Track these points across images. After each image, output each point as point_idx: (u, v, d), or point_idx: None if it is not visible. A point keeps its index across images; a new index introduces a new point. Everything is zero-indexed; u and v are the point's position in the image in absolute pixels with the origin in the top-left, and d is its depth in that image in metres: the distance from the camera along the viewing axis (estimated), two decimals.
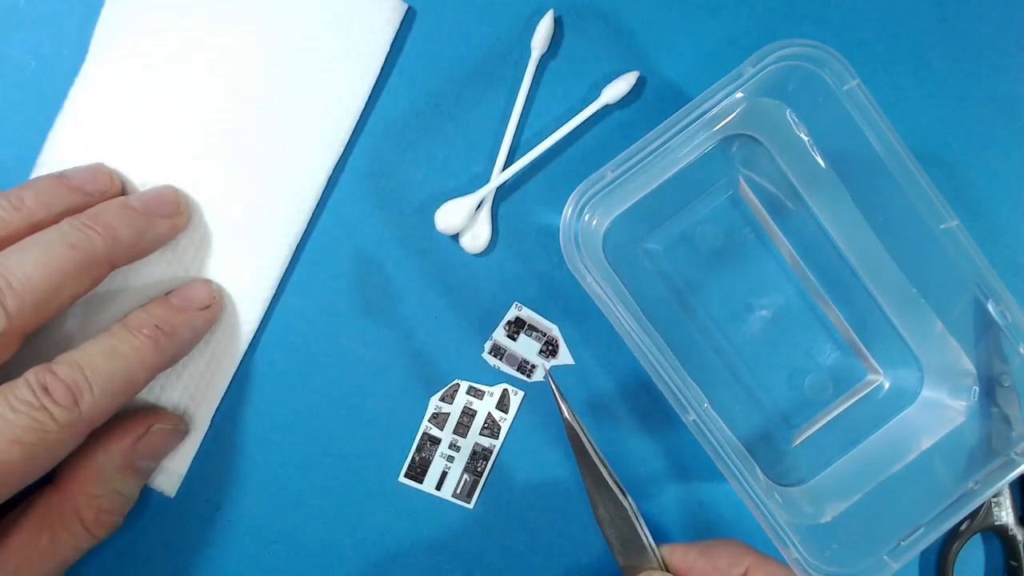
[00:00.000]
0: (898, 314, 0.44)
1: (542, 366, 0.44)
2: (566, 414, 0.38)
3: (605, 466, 0.38)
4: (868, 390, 0.45)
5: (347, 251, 0.44)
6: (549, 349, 0.44)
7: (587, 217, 0.39)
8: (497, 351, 0.44)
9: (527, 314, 0.44)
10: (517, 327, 0.44)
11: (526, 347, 0.44)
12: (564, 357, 0.44)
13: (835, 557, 0.38)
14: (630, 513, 0.38)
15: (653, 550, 0.38)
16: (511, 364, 0.44)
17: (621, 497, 0.38)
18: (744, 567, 0.37)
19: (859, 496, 0.42)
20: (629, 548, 0.38)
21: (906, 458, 0.42)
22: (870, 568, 0.38)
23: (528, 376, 0.44)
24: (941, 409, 0.43)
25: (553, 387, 0.39)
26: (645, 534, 0.38)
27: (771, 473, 0.43)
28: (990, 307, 0.39)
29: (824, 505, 0.42)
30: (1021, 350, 0.39)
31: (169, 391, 0.43)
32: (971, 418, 0.42)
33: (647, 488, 0.45)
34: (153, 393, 0.43)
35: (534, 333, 0.44)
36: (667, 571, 0.38)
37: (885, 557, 0.38)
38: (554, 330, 0.44)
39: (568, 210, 0.38)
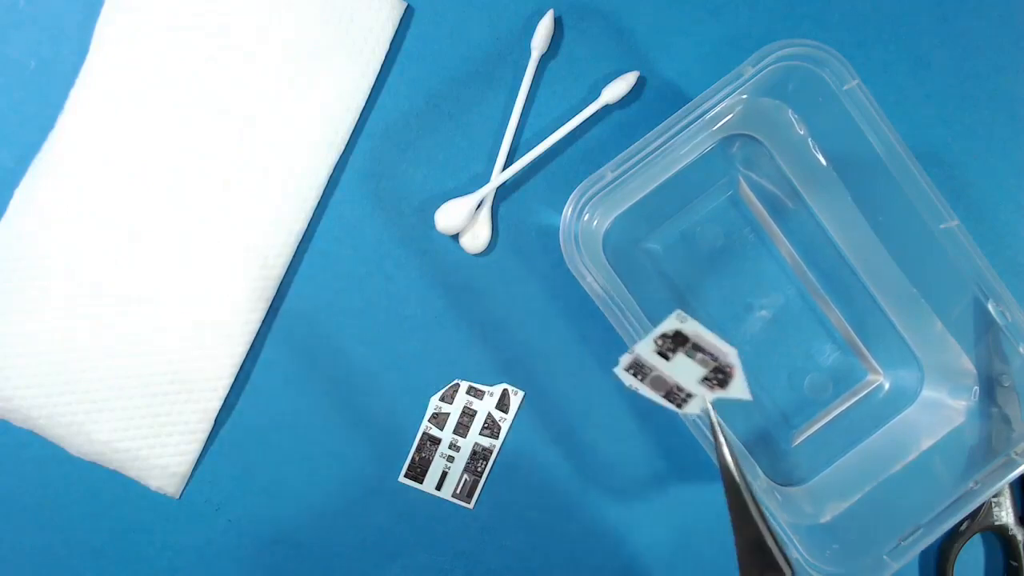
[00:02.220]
0: (898, 314, 0.44)
1: (702, 398, 0.33)
2: (731, 467, 0.31)
3: (766, 523, 0.31)
4: (868, 390, 0.45)
5: (347, 251, 0.44)
6: (718, 378, 0.34)
7: (587, 217, 0.39)
8: (639, 369, 0.34)
9: (693, 329, 0.33)
10: (676, 343, 0.33)
11: (684, 369, 0.34)
12: (738, 391, 0.34)
13: (835, 557, 0.38)
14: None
15: None
16: (657, 388, 0.34)
17: (783, 563, 0.31)
18: None
19: (859, 496, 0.42)
20: None
21: (906, 458, 0.42)
22: (870, 568, 0.38)
23: (679, 407, 0.34)
24: (941, 409, 0.43)
25: (716, 427, 0.31)
26: None
27: (771, 473, 0.43)
28: (990, 307, 0.39)
29: (824, 505, 0.42)
30: (1021, 350, 0.39)
31: (173, 395, 0.43)
32: (971, 418, 0.42)
33: (648, 488, 0.45)
34: (157, 398, 0.43)
35: (699, 355, 0.33)
36: None
37: (885, 557, 0.38)
38: (731, 355, 0.34)
39: (568, 210, 0.38)
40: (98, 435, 0.43)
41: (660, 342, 0.33)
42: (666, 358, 0.33)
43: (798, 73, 0.39)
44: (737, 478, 0.32)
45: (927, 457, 0.42)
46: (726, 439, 0.32)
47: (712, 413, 0.32)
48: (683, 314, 0.33)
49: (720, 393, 0.34)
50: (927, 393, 0.44)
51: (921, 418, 0.44)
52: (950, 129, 0.45)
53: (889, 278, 0.43)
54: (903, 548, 0.38)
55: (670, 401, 0.34)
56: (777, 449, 0.44)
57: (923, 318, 0.43)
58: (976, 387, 0.42)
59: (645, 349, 0.33)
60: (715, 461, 0.32)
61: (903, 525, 0.39)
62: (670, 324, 0.33)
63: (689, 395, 0.34)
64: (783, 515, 0.38)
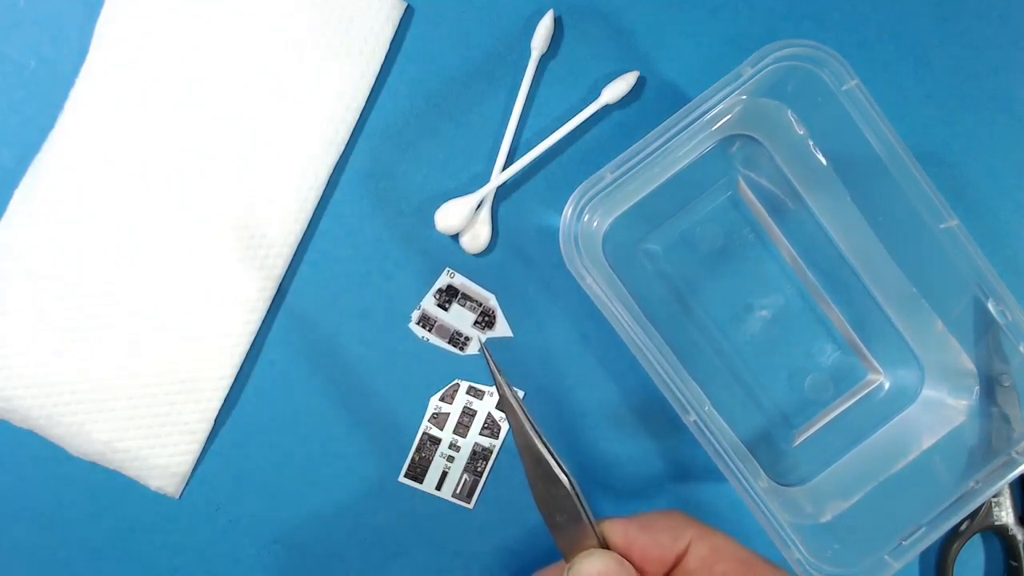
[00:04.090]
0: (898, 314, 0.44)
1: (477, 338, 0.41)
2: (503, 387, 0.35)
3: (543, 441, 0.35)
4: (868, 390, 0.45)
5: (347, 251, 0.44)
6: (485, 320, 0.41)
7: (587, 218, 0.39)
8: (426, 322, 0.41)
9: (460, 281, 0.41)
10: (449, 296, 0.41)
11: (459, 318, 0.41)
12: (501, 329, 0.42)
13: (836, 557, 0.38)
14: (569, 489, 0.35)
15: (593, 527, 0.35)
16: (442, 336, 0.41)
17: (560, 472, 0.35)
18: (686, 540, 0.35)
19: (860, 496, 0.42)
20: (568, 526, 0.35)
21: (907, 458, 0.42)
22: (871, 568, 0.38)
23: (461, 350, 0.42)
24: (941, 409, 0.43)
25: (489, 360, 0.36)
26: (586, 511, 0.35)
27: (772, 473, 0.43)
28: (990, 306, 0.39)
29: (825, 505, 0.42)
30: (1021, 349, 0.39)
31: (173, 395, 0.43)
32: (971, 417, 0.42)
33: (647, 488, 0.45)
34: (157, 398, 0.43)
35: (468, 303, 0.41)
36: (607, 548, 0.35)
37: (886, 557, 0.38)
38: (491, 300, 0.41)
39: (568, 211, 0.38)
40: (98, 435, 0.43)
41: (438, 296, 0.42)
42: (445, 309, 0.41)
43: (797, 73, 0.39)
44: (512, 401, 0.35)
45: (928, 457, 0.42)
46: (500, 370, 0.36)
47: (487, 350, 0.36)
48: (451, 271, 0.41)
49: (489, 333, 0.42)
50: (927, 393, 0.44)
51: (921, 418, 0.44)
52: (950, 129, 0.45)
53: (889, 278, 0.43)
54: (904, 548, 0.38)
55: (454, 345, 0.42)
56: (777, 449, 0.44)
57: (923, 318, 0.43)
58: (976, 386, 0.42)
59: (429, 303, 0.42)
60: (499, 396, 0.36)
61: (904, 525, 0.39)
62: (443, 280, 0.41)
63: (467, 338, 0.42)
64: (784, 515, 0.38)
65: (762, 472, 0.43)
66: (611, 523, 0.36)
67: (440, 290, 0.41)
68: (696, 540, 0.35)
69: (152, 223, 0.43)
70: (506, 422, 0.44)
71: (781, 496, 0.42)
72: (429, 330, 0.41)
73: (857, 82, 0.38)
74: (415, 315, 0.41)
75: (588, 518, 0.35)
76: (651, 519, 0.36)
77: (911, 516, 0.39)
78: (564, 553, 0.36)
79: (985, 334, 0.40)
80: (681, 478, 0.45)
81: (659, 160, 0.39)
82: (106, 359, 0.43)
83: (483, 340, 0.41)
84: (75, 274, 0.43)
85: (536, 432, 0.35)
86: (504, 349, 0.44)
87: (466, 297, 0.41)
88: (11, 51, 0.43)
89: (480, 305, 0.41)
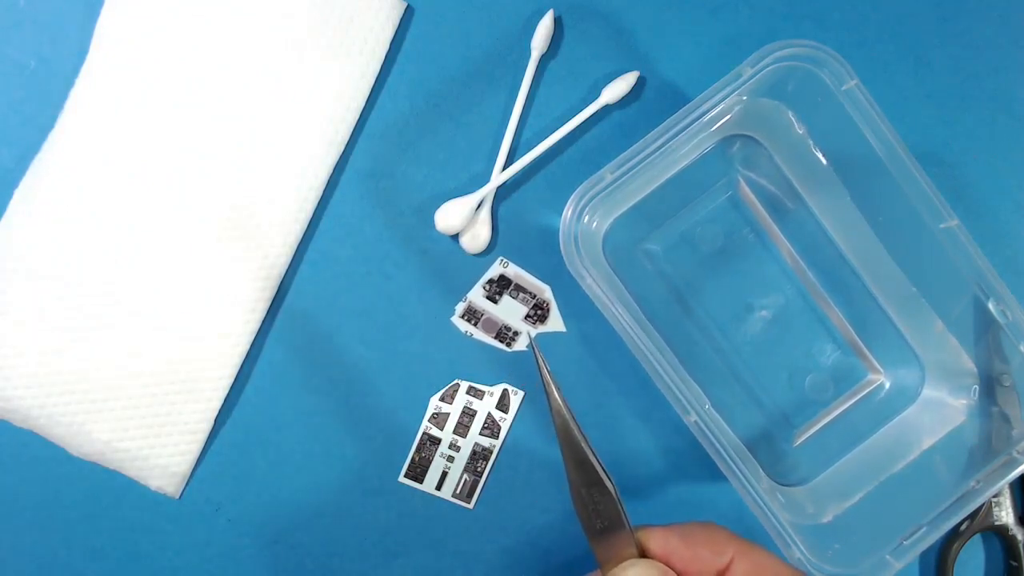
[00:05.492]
0: (898, 313, 0.44)
1: (527, 333, 0.38)
2: (551, 387, 0.34)
3: (588, 445, 0.34)
4: (869, 389, 0.45)
5: (347, 251, 0.44)
6: (538, 314, 0.38)
7: (587, 219, 0.39)
8: (472, 315, 0.38)
9: (514, 271, 0.38)
10: (500, 287, 0.38)
11: (509, 311, 0.38)
12: (554, 323, 0.39)
13: (837, 557, 0.38)
14: (613, 495, 0.34)
15: (633, 536, 0.34)
16: (488, 331, 0.38)
17: (605, 479, 0.34)
18: (728, 556, 0.34)
19: (861, 495, 0.42)
20: (608, 534, 0.34)
21: (907, 457, 0.42)
22: (873, 568, 0.38)
23: (508, 345, 0.38)
24: (942, 408, 0.43)
25: (537, 355, 0.35)
26: (626, 519, 0.34)
27: (772, 473, 0.43)
28: (990, 306, 0.39)
29: (826, 505, 0.42)
30: (1022, 348, 0.39)
31: (173, 395, 0.43)
32: (972, 417, 0.42)
33: (648, 488, 0.45)
34: (157, 398, 0.43)
35: (520, 294, 0.38)
36: (645, 557, 0.34)
37: (888, 556, 0.38)
38: (546, 291, 0.38)
39: (568, 212, 0.38)
40: (98, 435, 0.43)
41: (487, 287, 0.38)
42: (494, 301, 0.38)
43: (797, 73, 0.39)
44: (560, 403, 0.34)
45: (928, 456, 0.42)
46: (549, 371, 0.34)
47: (536, 346, 0.34)
48: (505, 260, 0.37)
49: (541, 327, 0.38)
50: (928, 392, 0.44)
51: (922, 417, 0.44)
52: (950, 129, 0.45)
53: (889, 277, 0.43)
54: (905, 547, 0.38)
55: (501, 340, 0.38)
56: (778, 449, 0.44)
57: (923, 317, 0.43)
58: (977, 386, 0.42)
59: (476, 295, 0.38)
60: (546, 395, 0.34)
61: (905, 524, 0.39)
62: (495, 270, 0.38)
63: (517, 332, 0.38)
64: (785, 515, 0.38)
65: (763, 472, 0.43)
66: (649, 531, 0.35)
67: (491, 280, 0.38)
68: (738, 556, 0.34)
69: (152, 223, 0.43)
70: (503, 423, 0.44)
71: (782, 496, 0.42)
72: (475, 324, 0.38)
73: (857, 82, 0.38)
74: (459, 308, 0.38)
75: (629, 527, 0.34)
76: (690, 530, 0.35)
77: (912, 516, 0.39)
78: (602, 562, 0.35)
79: (985, 334, 0.40)
80: (681, 478, 0.45)
81: (659, 160, 0.39)
82: (106, 359, 0.43)
83: (533, 336, 0.38)
84: (75, 274, 0.43)
85: (583, 436, 0.34)
86: (504, 350, 0.44)
87: (519, 288, 0.38)
88: (11, 51, 0.43)
89: (534, 297, 0.38)
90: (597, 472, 0.34)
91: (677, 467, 0.45)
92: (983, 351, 0.41)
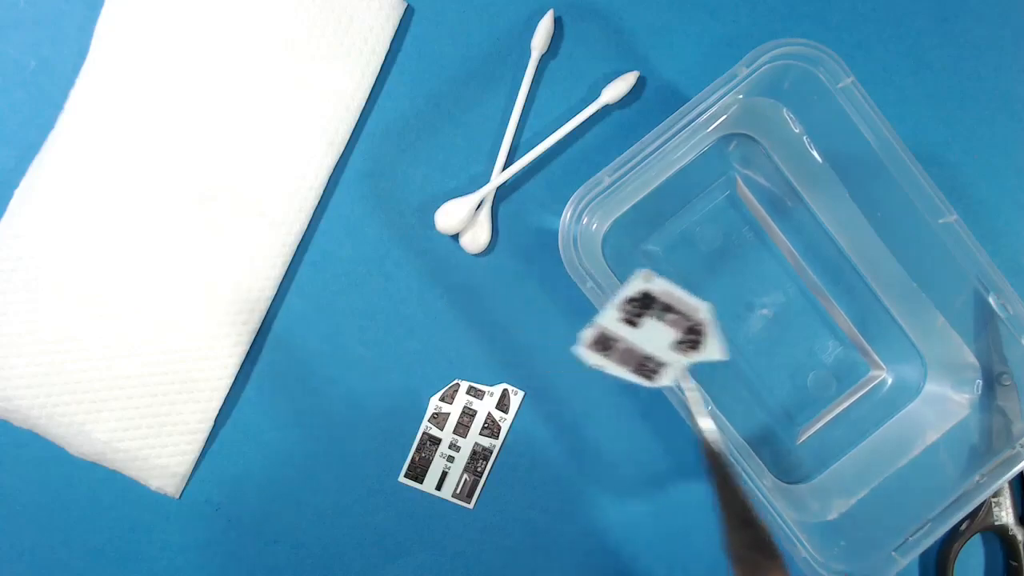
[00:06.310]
0: (899, 309, 0.44)
1: (676, 365, 0.29)
2: (712, 444, 0.28)
3: (749, 504, 0.29)
4: (871, 385, 0.45)
5: (347, 251, 0.44)
6: (691, 340, 0.30)
7: (586, 221, 0.39)
8: (604, 344, 0.29)
9: (662, 287, 0.29)
10: (642, 306, 0.29)
11: (653, 336, 0.29)
12: (713, 352, 0.30)
13: (843, 554, 0.38)
14: (781, 562, 0.30)
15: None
16: (626, 363, 0.30)
17: (768, 542, 0.30)
18: None
19: (865, 492, 0.42)
20: (760, 567, 0.30)
21: (911, 453, 0.42)
22: (878, 565, 0.38)
23: (649, 379, 0.30)
24: (945, 403, 0.43)
25: (688, 403, 0.28)
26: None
27: (777, 471, 0.43)
28: (991, 300, 0.39)
29: (831, 502, 0.42)
30: (1023, 341, 0.39)
31: (173, 395, 0.43)
32: (975, 411, 0.42)
33: (649, 488, 0.45)
34: (157, 398, 0.43)
35: (669, 316, 0.29)
36: None
37: (893, 553, 0.38)
38: (701, 311, 0.30)
39: (567, 215, 0.38)
40: (98, 435, 0.43)
41: (626, 308, 0.29)
42: (633, 325, 0.29)
43: (793, 72, 0.39)
44: (718, 451, 0.29)
45: (932, 451, 0.42)
46: (705, 412, 0.29)
47: (689, 382, 0.28)
48: (650, 272, 0.29)
49: (695, 356, 0.29)
50: (930, 387, 0.44)
51: (925, 412, 0.43)
52: (950, 129, 0.45)
53: (889, 273, 0.43)
54: (911, 544, 0.38)
55: (641, 375, 0.29)
56: (782, 447, 0.44)
57: (924, 312, 0.43)
58: (979, 380, 0.42)
59: (609, 319, 0.29)
60: (697, 435, 0.29)
61: (910, 521, 0.39)
62: (636, 286, 0.29)
63: (661, 364, 0.29)
64: (790, 513, 0.38)
65: (767, 470, 0.43)
66: None
67: (632, 299, 0.29)
68: None
69: (151, 223, 0.43)
70: (503, 423, 0.44)
71: (787, 494, 0.42)
72: (606, 354, 0.30)
73: (852, 79, 0.38)
74: (587, 336, 0.30)
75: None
76: None
77: (916, 512, 0.39)
78: None
79: (986, 328, 0.40)
80: (684, 477, 0.45)
81: (656, 162, 0.39)
82: (106, 359, 0.43)
83: (685, 366, 0.30)
84: (75, 274, 0.43)
85: (743, 491, 0.30)
86: (505, 349, 0.44)
87: (668, 309, 0.29)
88: (11, 51, 0.43)
89: (687, 319, 0.30)
90: (762, 535, 0.30)
91: (679, 466, 0.45)
92: (984, 346, 0.41)
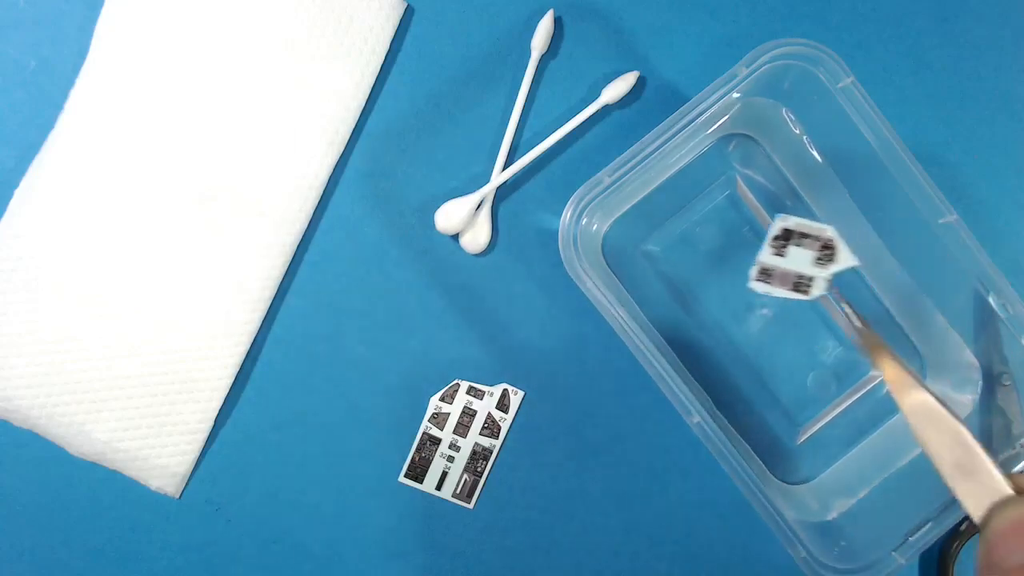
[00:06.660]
0: (899, 309, 0.44)
1: (823, 278, 0.38)
2: (864, 328, 0.35)
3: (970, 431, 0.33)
4: (871, 385, 0.45)
5: (347, 251, 0.44)
6: (826, 255, 0.38)
7: (585, 221, 0.39)
8: (766, 275, 0.39)
9: (795, 222, 0.38)
10: (785, 240, 0.38)
11: (799, 259, 0.38)
12: (845, 259, 0.38)
13: (843, 555, 0.38)
14: (964, 429, 0.33)
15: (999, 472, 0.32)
16: (785, 284, 0.39)
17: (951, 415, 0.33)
18: None
19: (865, 492, 0.42)
20: (972, 473, 0.33)
21: (911, 453, 0.42)
22: (878, 564, 0.38)
23: (806, 294, 0.39)
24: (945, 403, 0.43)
25: (839, 301, 0.36)
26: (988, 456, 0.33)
27: (776, 471, 0.43)
28: (991, 300, 0.39)
29: (830, 502, 0.42)
30: (1023, 341, 0.39)
31: (173, 395, 0.43)
32: (975, 411, 0.42)
33: (647, 488, 0.45)
34: (157, 398, 0.43)
35: (805, 240, 0.38)
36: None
37: (893, 553, 0.38)
38: (827, 230, 0.38)
39: (566, 214, 0.38)
40: (98, 435, 0.43)
41: (774, 244, 0.38)
42: (782, 255, 0.38)
43: (792, 72, 0.39)
44: (886, 345, 0.35)
45: None
46: (854, 309, 0.36)
47: (835, 292, 0.37)
48: (785, 215, 0.38)
49: (833, 267, 0.38)
50: (930, 387, 0.44)
51: None
52: (950, 129, 0.45)
53: (889, 273, 0.43)
54: (911, 544, 0.38)
55: (798, 292, 0.38)
56: (782, 447, 0.44)
57: (924, 312, 0.43)
58: (980, 380, 0.42)
59: (765, 255, 0.38)
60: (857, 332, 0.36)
61: (910, 521, 0.39)
62: (777, 226, 0.38)
63: (811, 279, 0.38)
64: (790, 513, 0.38)
65: (767, 471, 0.43)
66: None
67: (776, 237, 0.39)
68: None
69: (151, 223, 0.43)
70: (503, 423, 0.44)
71: (786, 494, 0.42)
72: (769, 281, 0.39)
73: (852, 79, 0.38)
74: (753, 272, 0.39)
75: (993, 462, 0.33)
76: None
77: (916, 511, 0.39)
78: (972, 509, 0.33)
79: (985, 328, 0.40)
80: (683, 478, 0.45)
81: (657, 162, 0.39)
82: (106, 359, 0.43)
83: (830, 277, 0.38)
84: (75, 274, 0.43)
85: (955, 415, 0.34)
86: (505, 349, 0.44)
87: (803, 235, 0.38)
88: (11, 51, 0.43)
89: (818, 240, 0.38)
90: (945, 411, 0.34)
91: (680, 466, 0.45)
92: (984, 347, 0.41)
